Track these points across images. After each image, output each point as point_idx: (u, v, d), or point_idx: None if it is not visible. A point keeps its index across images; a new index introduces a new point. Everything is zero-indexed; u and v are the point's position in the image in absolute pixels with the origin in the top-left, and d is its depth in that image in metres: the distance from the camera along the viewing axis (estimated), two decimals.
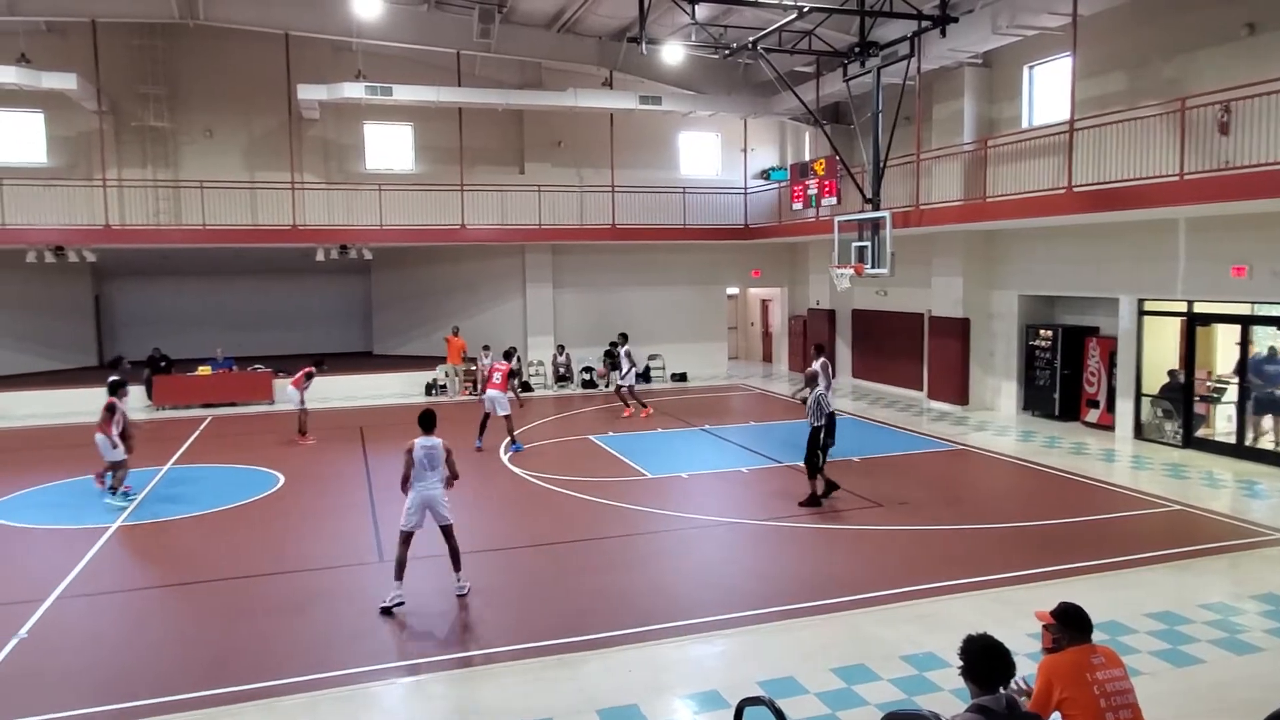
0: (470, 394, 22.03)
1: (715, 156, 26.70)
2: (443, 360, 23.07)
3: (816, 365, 13.13)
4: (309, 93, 20.69)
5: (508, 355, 17.01)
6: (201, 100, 22.86)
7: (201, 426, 18.48)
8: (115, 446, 12.29)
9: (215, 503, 12.38)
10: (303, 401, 16.73)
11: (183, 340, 24.07)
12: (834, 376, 22.14)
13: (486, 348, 21.00)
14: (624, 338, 19.57)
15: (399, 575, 8.33)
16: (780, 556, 9.92)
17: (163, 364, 21.53)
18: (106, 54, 20.62)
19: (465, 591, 8.62)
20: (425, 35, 21.28)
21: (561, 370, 24.14)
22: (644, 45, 15.96)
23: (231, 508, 12.15)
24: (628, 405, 19.32)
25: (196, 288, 25.90)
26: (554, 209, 23.88)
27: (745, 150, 26.17)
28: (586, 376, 24.24)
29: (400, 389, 22.74)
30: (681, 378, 25.14)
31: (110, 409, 12.37)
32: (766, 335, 29.97)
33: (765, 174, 26.36)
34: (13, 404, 20.09)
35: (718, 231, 25.09)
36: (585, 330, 24.88)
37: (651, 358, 25.07)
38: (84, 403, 20.27)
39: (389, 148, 24.56)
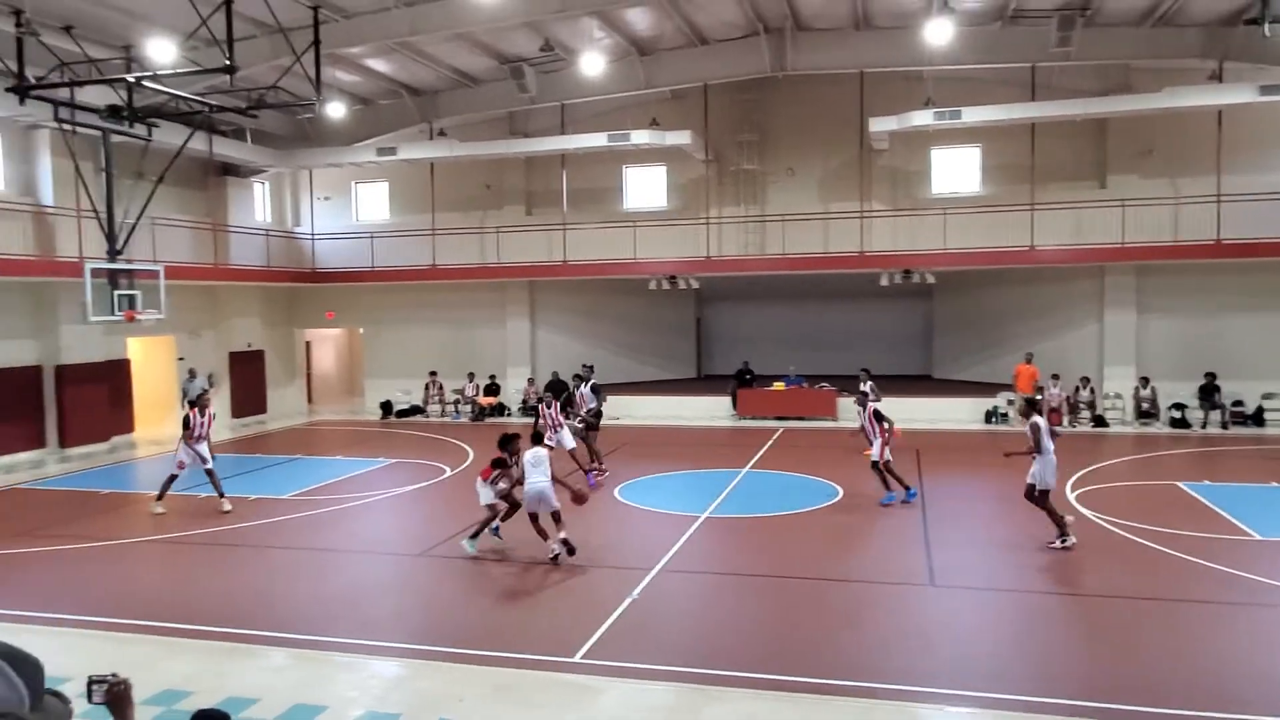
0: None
1: None
2: (1007, 387, 22.11)
3: None
4: (880, 125, 21.60)
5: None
6: (785, 142, 25.38)
7: (774, 437, 20.51)
8: None
9: (783, 506, 13.76)
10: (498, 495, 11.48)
11: (763, 357, 26.89)
12: None
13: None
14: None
15: (545, 538, 10.72)
16: None
17: (748, 377, 24.45)
18: (713, 111, 24.17)
19: (555, 555, 10.55)
20: (996, 53, 20.76)
21: (1145, 405, 21.46)
22: (1267, 25, 13.55)
23: (797, 513, 13.39)
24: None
25: (775, 310, 28.80)
26: (1139, 225, 21.35)
27: None
28: (1176, 414, 21.16)
29: (960, 415, 22.43)
30: None
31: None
32: None
33: None
34: (634, 405, 24.53)
35: None
36: (1173, 361, 21.71)
37: (1266, 397, 20.92)
38: (686, 409, 24.15)
39: (955, 171, 24.47)
